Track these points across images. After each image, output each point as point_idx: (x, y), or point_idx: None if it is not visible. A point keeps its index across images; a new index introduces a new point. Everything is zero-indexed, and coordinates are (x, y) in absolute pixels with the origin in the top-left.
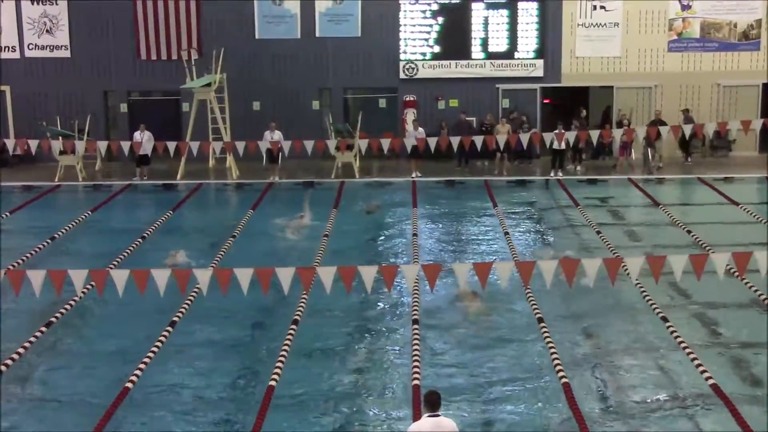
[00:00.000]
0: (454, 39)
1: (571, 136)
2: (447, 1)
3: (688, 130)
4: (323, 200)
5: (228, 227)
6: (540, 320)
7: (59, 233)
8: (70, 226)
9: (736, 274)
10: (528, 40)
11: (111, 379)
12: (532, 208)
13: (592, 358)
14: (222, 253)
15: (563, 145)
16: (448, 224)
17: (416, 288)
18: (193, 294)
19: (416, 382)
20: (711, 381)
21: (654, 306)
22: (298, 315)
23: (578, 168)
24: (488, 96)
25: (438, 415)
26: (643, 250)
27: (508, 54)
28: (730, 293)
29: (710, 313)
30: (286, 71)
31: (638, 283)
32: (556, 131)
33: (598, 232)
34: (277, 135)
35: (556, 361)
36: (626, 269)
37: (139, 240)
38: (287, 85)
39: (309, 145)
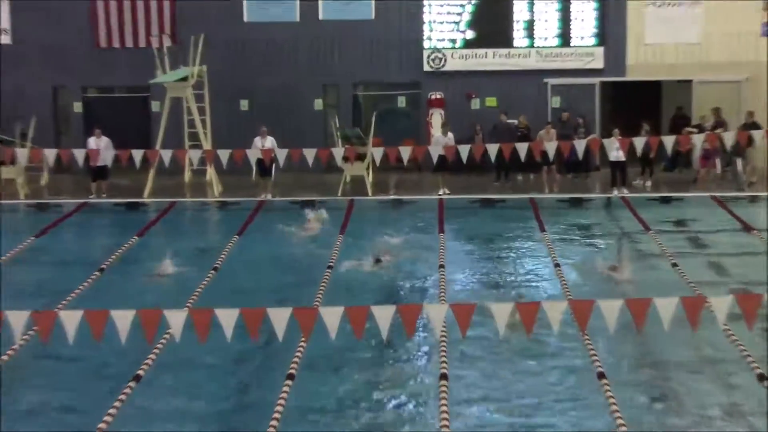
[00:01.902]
0: (492, 22)
1: (638, 143)
2: None
3: None
4: (327, 223)
5: (208, 257)
6: (601, 376)
7: None
8: (7, 255)
9: None
10: (585, 24)
11: None
12: (590, 234)
13: (668, 428)
14: (200, 289)
15: (624, 155)
16: (483, 254)
17: (444, 333)
18: (163, 341)
19: None
20: None
21: (750, 360)
22: (293, 368)
23: (648, 183)
24: (534, 93)
25: None
26: (733, 287)
27: (560, 41)
28: None
29: None
30: (282, 63)
31: (727, 329)
32: (614, 138)
33: (675, 264)
34: (270, 142)
35: (622, 430)
36: (711, 311)
37: (96, 273)
38: (283, 80)
39: (310, 154)
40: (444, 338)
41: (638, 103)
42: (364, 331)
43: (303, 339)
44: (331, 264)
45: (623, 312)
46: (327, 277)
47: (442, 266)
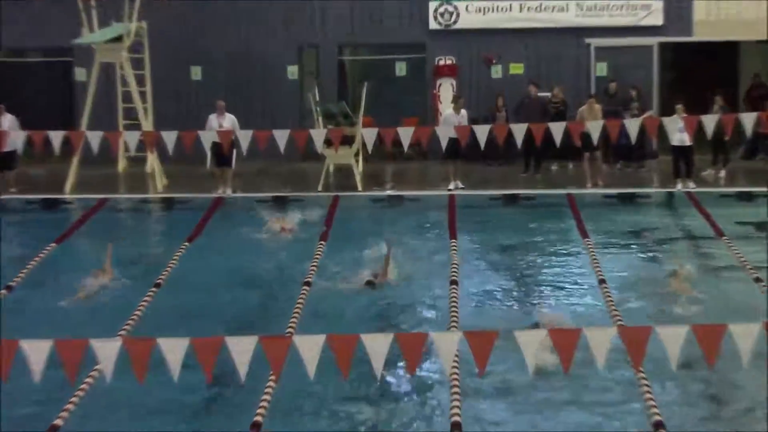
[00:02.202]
0: None
1: (709, 122)
2: None
3: None
4: (305, 226)
5: (149, 270)
6: (658, 426)
7: None
8: None
9: None
10: None
11: None
12: (645, 241)
13: None
14: (138, 312)
15: (690, 139)
16: (507, 266)
17: (456, 369)
18: (90, 380)
19: None
20: None
21: None
22: (259, 416)
23: (721, 174)
24: (573, 58)
25: None
26: None
27: None
28: None
29: None
30: (245, 18)
31: None
32: (677, 116)
33: (757, 279)
34: (229, 121)
35: None
36: None
37: (3, 292)
38: (247, 41)
39: (281, 137)
40: (456, 376)
41: (709, 71)
42: (351, 367)
43: (272, 377)
44: (308, 280)
45: (689, 341)
46: (303, 296)
47: (454, 282)
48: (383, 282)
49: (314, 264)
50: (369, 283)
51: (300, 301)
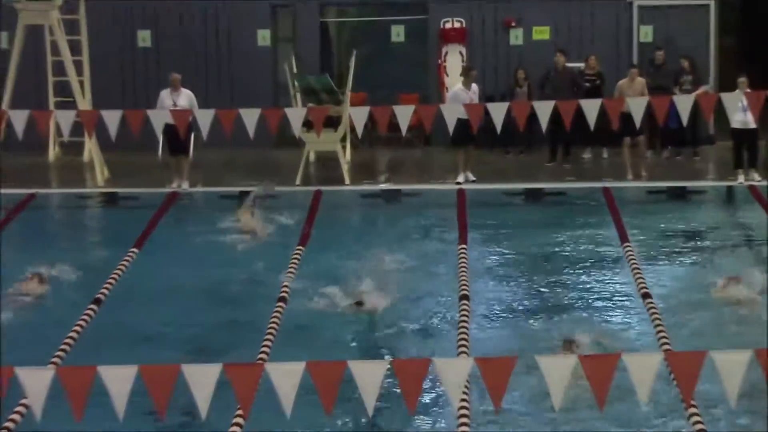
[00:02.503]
0: None
1: None
2: None
3: None
4: (279, 228)
5: (86, 282)
6: None
7: None
8: None
9: None
10: None
11: None
12: (699, 245)
13: None
14: (74, 333)
15: (756, 120)
16: (529, 277)
17: (465, 403)
18: (16, 416)
19: None
20: None
21: None
22: None
23: None
24: (610, 20)
25: None
26: None
27: None
28: None
29: None
30: None
31: None
32: (740, 91)
33: None
34: (186, 98)
35: None
36: None
37: None
38: (208, 1)
39: (250, 118)
40: (465, 411)
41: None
42: (335, 401)
43: (239, 412)
44: (283, 294)
45: (752, 369)
46: (278, 315)
47: (464, 296)
48: (375, 306)
49: (290, 274)
50: (358, 304)
51: (273, 320)
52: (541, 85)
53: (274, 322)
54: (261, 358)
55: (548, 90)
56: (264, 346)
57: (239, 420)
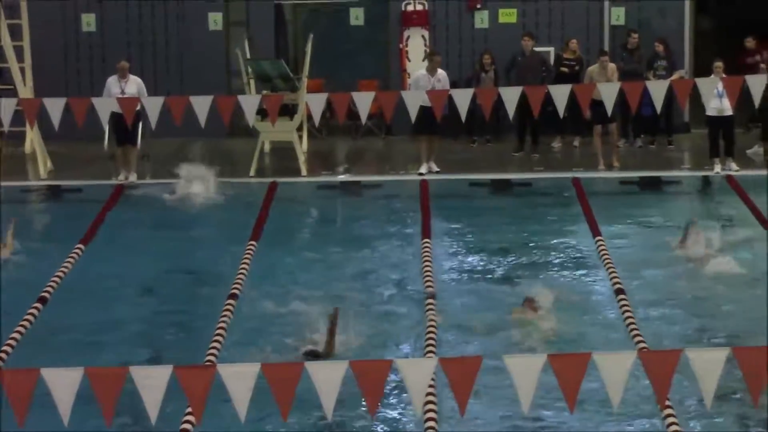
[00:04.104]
0: None
1: (755, 85)
2: None
3: None
4: (232, 222)
5: (29, 280)
6: None
7: None
8: None
9: None
10: None
11: None
12: (674, 238)
13: None
14: (17, 334)
15: (733, 106)
16: (496, 272)
17: (432, 406)
18: None
19: None
20: None
21: None
22: None
23: None
24: (581, 2)
25: None
26: None
27: None
28: None
29: None
30: None
31: None
32: (715, 76)
33: None
34: (134, 85)
35: None
36: None
37: None
38: None
39: (201, 106)
40: (432, 416)
41: (757, 19)
42: (292, 404)
43: (191, 418)
44: (235, 291)
45: (730, 368)
46: (228, 311)
47: (430, 291)
48: (330, 352)
49: (243, 269)
50: (311, 354)
51: (224, 317)
52: (507, 70)
53: (224, 320)
54: (208, 360)
55: (515, 76)
56: (213, 345)
57: (187, 427)
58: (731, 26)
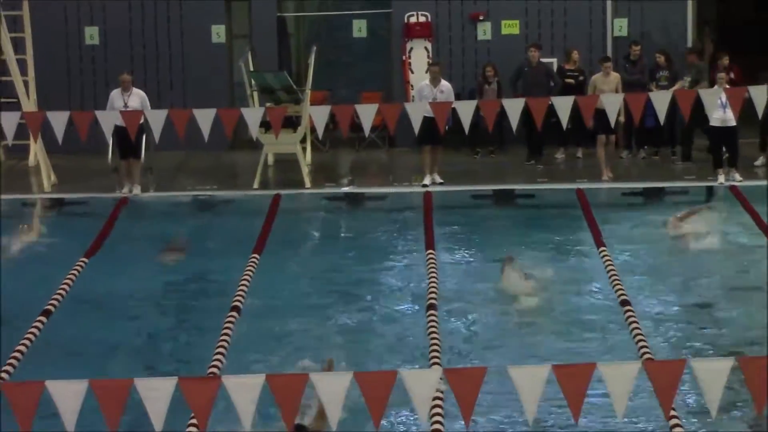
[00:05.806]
0: None
1: (759, 96)
2: None
3: None
4: (235, 234)
5: (34, 294)
6: None
7: None
8: None
9: None
10: None
11: None
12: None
13: None
14: (22, 348)
15: (736, 117)
16: (498, 283)
17: (439, 418)
18: None
19: None
20: None
21: None
22: None
23: None
24: (584, 13)
25: None
26: None
27: None
28: None
29: None
30: None
31: None
32: (719, 86)
33: None
34: (137, 99)
35: None
36: None
37: None
38: None
39: (205, 119)
40: (439, 426)
41: (761, 30)
42: (296, 416)
43: (194, 426)
44: (236, 303)
45: (734, 378)
46: (230, 324)
47: (432, 305)
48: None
49: (244, 281)
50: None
51: (226, 329)
52: (514, 81)
53: (227, 332)
54: (211, 372)
55: (521, 86)
56: (216, 356)
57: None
58: (737, 36)
